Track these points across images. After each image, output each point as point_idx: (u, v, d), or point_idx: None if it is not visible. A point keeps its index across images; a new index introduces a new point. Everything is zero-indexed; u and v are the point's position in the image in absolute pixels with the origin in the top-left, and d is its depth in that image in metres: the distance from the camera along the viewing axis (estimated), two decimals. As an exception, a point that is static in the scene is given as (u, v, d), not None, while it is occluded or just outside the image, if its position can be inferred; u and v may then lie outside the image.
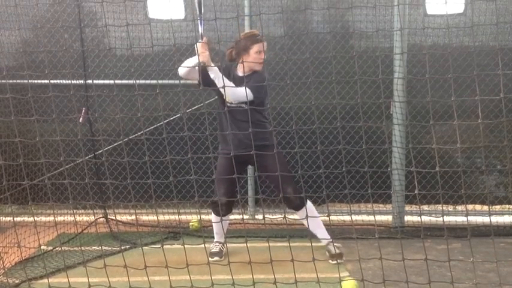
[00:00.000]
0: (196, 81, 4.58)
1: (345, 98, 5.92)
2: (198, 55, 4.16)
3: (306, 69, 6.02)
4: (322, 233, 4.62)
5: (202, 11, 4.33)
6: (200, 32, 4.36)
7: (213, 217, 4.83)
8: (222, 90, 4.12)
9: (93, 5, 6.12)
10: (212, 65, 4.31)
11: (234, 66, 4.65)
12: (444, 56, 5.82)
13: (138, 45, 5.95)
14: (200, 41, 4.31)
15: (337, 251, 4.57)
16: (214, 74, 4.30)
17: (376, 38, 5.99)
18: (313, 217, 4.33)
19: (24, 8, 5.87)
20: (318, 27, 6.20)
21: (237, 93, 4.22)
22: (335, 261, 4.50)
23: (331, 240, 4.59)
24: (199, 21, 4.36)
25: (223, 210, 4.58)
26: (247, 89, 4.04)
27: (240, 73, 4.51)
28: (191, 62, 4.41)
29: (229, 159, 4.20)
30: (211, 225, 4.97)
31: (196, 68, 4.32)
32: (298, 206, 4.57)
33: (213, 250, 4.70)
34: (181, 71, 4.45)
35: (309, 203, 4.64)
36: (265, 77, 4.40)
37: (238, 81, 4.41)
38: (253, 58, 4.43)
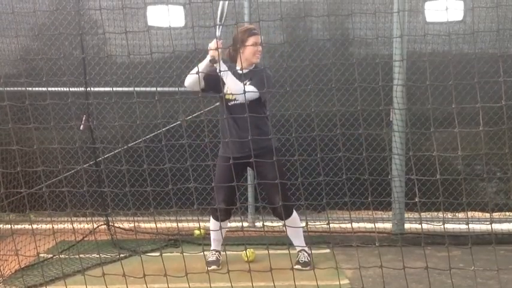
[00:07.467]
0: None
1: (344, 105, 5.92)
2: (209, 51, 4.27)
3: (305, 76, 6.02)
4: (299, 241, 4.65)
5: (223, 20, 4.39)
6: (218, 35, 4.34)
7: (211, 224, 4.80)
8: (228, 82, 4.26)
9: (94, 13, 6.14)
10: (221, 62, 4.31)
11: (234, 66, 4.62)
12: (444, 63, 5.83)
13: (138, 53, 5.96)
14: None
15: (306, 259, 4.62)
16: (223, 68, 4.29)
17: (375, 45, 6.00)
18: (296, 227, 4.53)
19: (24, 16, 5.88)
20: (318, 34, 6.21)
21: (239, 85, 4.24)
22: (298, 267, 4.50)
23: (305, 247, 4.66)
24: (218, 27, 4.37)
25: (222, 215, 4.57)
26: (251, 86, 4.23)
27: (239, 70, 4.49)
28: (201, 64, 4.36)
29: (229, 163, 4.11)
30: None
31: (202, 75, 4.31)
32: (285, 216, 4.42)
33: (210, 259, 4.67)
34: (188, 79, 4.44)
35: (294, 214, 4.62)
36: (270, 74, 4.46)
37: (238, 78, 4.40)
38: (249, 50, 4.47)
